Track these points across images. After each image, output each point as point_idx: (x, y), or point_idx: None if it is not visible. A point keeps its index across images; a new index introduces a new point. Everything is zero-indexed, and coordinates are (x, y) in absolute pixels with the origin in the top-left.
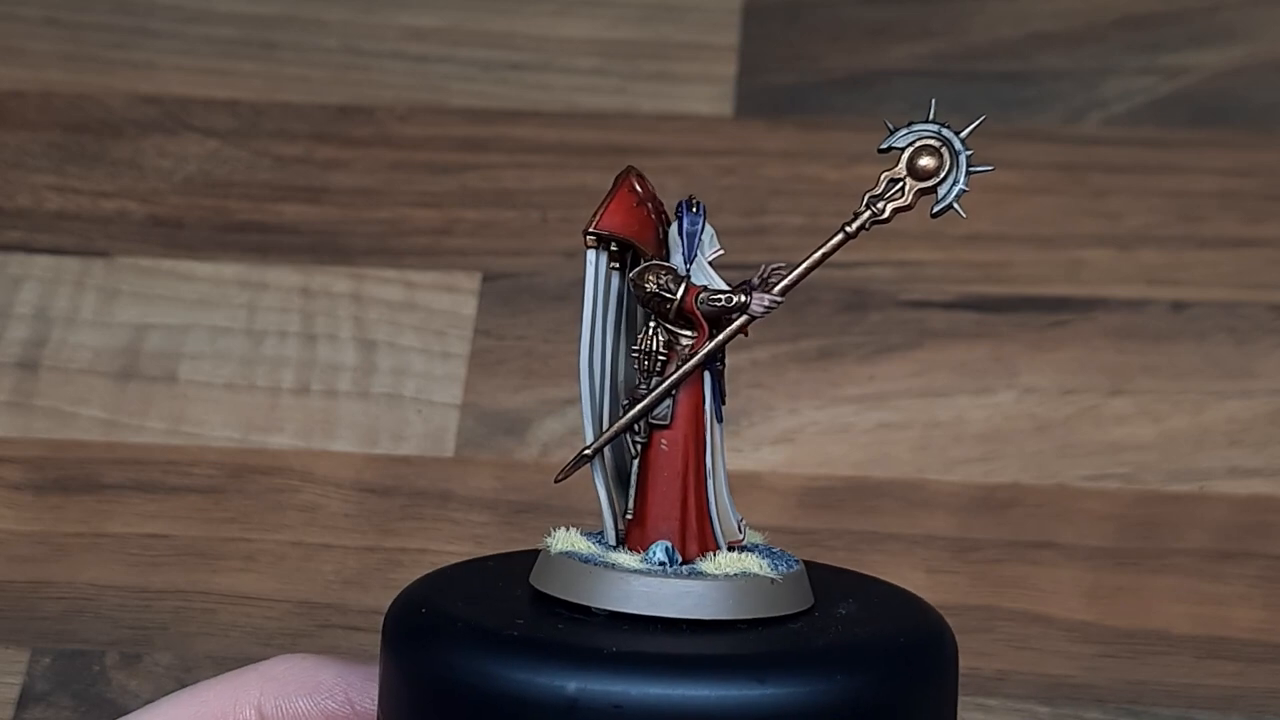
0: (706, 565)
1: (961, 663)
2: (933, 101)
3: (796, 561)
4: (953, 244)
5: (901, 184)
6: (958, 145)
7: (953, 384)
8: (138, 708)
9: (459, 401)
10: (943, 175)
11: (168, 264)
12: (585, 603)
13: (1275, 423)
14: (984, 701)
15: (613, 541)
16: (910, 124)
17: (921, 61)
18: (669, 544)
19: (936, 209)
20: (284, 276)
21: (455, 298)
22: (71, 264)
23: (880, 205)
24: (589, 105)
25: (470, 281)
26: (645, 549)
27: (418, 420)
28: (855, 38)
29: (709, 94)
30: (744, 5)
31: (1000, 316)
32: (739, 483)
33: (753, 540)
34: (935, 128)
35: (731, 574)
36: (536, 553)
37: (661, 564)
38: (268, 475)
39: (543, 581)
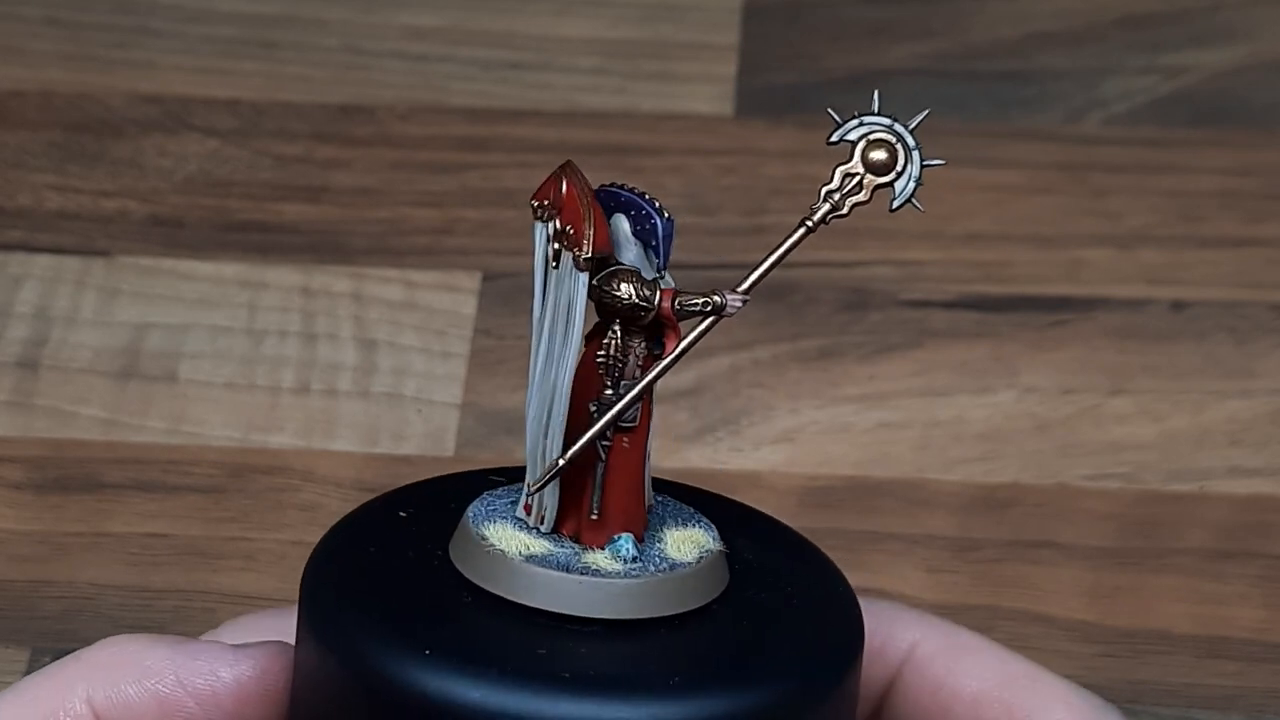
0: (672, 551)
1: None
2: (876, 93)
3: (696, 514)
4: (953, 243)
5: (858, 179)
6: (910, 140)
7: (953, 384)
8: None
9: (459, 401)
10: (898, 170)
11: (168, 263)
12: (580, 613)
13: (1275, 423)
14: None
15: (546, 529)
16: (858, 116)
17: (921, 61)
18: (631, 535)
19: (896, 204)
20: (284, 276)
21: (455, 297)
22: (72, 263)
23: (838, 199)
24: (589, 105)
25: (470, 281)
26: (603, 544)
27: (418, 420)
28: (855, 38)
29: (709, 94)
30: (744, 5)
31: (1000, 316)
32: (739, 482)
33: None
34: (887, 121)
35: (699, 556)
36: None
37: (636, 559)
38: (268, 475)
39: (513, 591)
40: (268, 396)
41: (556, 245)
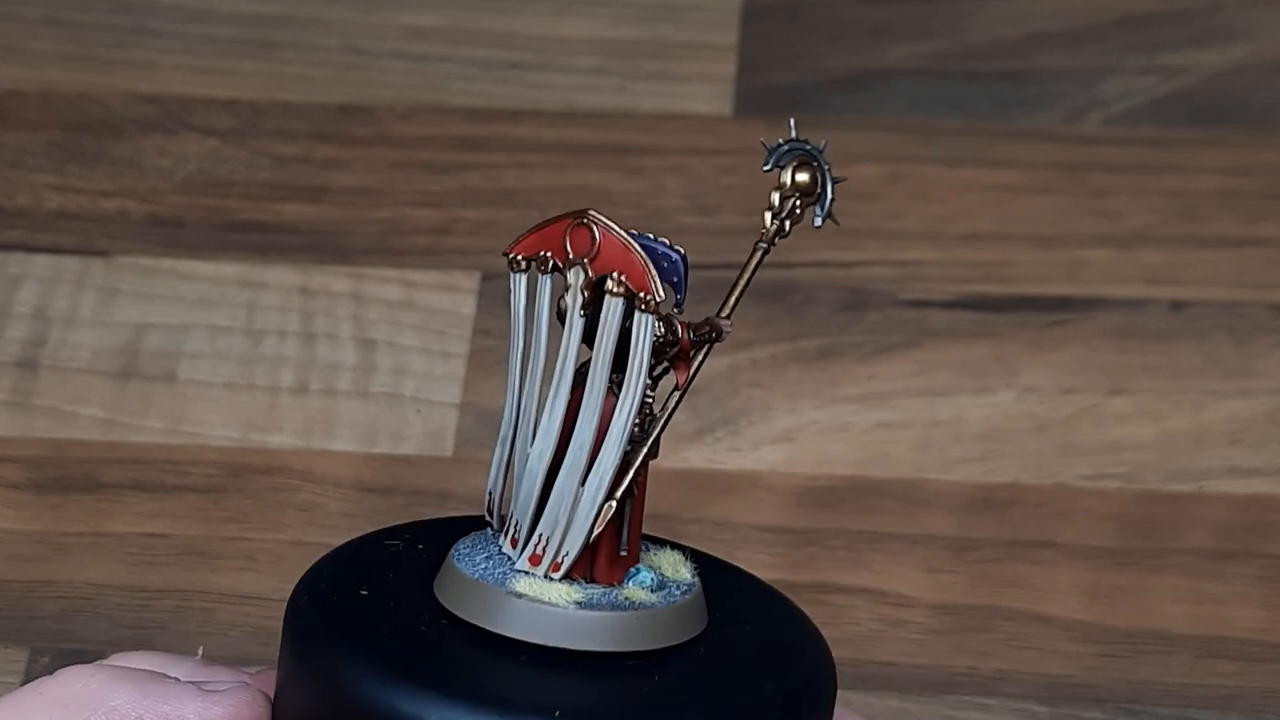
0: (670, 572)
1: (961, 662)
2: (791, 120)
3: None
4: (953, 244)
5: (793, 200)
6: (823, 160)
7: (952, 384)
8: None
9: (458, 401)
10: (820, 189)
11: (167, 263)
12: (643, 648)
13: (1275, 422)
14: (983, 701)
15: (560, 576)
16: (785, 143)
17: (922, 61)
18: (644, 567)
19: (820, 221)
20: (284, 276)
21: (455, 297)
22: (71, 263)
23: (781, 220)
24: (589, 105)
25: (470, 281)
26: (620, 580)
27: (417, 420)
28: (855, 37)
29: (709, 93)
30: (744, 5)
31: (1000, 316)
32: (739, 482)
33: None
34: (806, 145)
35: (693, 573)
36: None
37: (662, 587)
38: (267, 475)
39: (571, 639)
40: (267, 396)
41: (586, 294)
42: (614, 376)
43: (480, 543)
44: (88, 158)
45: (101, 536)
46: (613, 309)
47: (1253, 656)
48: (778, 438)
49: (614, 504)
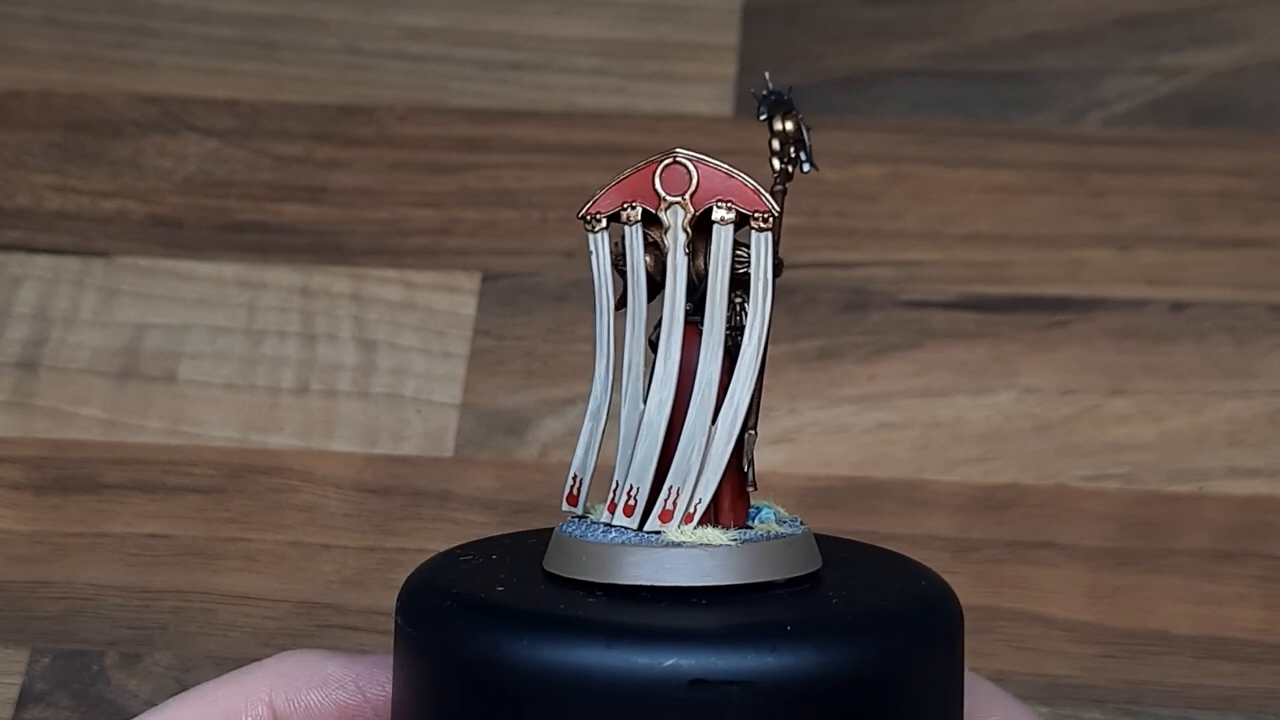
0: (777, 513)
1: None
2: (766, 74)
3: None
4: (953, 244)
5: (789, 147)
6: (795, 108)
7: (953, 384)
8: (138, 710)
9: (458, 401)
10: (802, 136)
11: (167, 264)
12: (799, 573)
13: (1275, 423)
14: None
15: (694, 525)
16: (768, 93)
17: (922, 61)
18: (762, 504)
19: (808, 167)
20: (284, 276)
21: (455, 297)
22: (71, 264)
23: (786, 165)
24: (589, 105)
25: (470, 281)
26: (742, 521)
27: (417, 420)
28: (855, 38)
29: (709, 94)
30: (744, 5)
31: (1000, 316)
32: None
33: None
34: (784, 95)
35: (794, 515)
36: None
37: (785, 521)
38: (267, 475)
39: (741, 574)
40: (267, 397)
41: (687, 231)
42: (697, 318)
43: (580, 527)
44: (88, 158)
45: (101, 537)
46: (723, 237)
47: (1253, 657)
48: (778, 438)
49: (755, 432)
